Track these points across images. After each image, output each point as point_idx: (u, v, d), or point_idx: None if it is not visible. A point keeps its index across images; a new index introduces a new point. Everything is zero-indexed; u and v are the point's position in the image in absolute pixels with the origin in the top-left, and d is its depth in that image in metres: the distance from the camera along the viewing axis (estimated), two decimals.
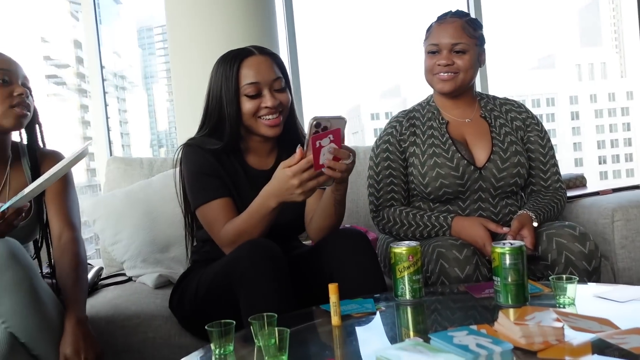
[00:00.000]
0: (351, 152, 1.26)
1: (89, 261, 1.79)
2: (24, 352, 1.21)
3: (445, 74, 1.66)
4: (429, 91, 1.81)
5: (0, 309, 1.18)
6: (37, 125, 1.55)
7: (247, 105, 1.45)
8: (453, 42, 1.64)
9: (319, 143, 1.19)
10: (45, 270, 1.59)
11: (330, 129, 1.19)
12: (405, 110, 1.82)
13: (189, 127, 1.56)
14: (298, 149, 1.22)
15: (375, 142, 1.79)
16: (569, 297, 1.14)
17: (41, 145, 1.57)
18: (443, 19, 1.69)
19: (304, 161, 1.21)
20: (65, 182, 1.54)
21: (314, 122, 1.17)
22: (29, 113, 1.46)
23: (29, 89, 1.49)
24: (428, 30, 1.72)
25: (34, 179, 1.49)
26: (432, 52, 1.67)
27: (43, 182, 1.21)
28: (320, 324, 1.16)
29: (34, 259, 1.56)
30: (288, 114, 1.53)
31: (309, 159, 1.21)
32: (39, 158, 1.54)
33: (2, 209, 1.19)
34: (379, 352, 0.88)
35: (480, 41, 1.69)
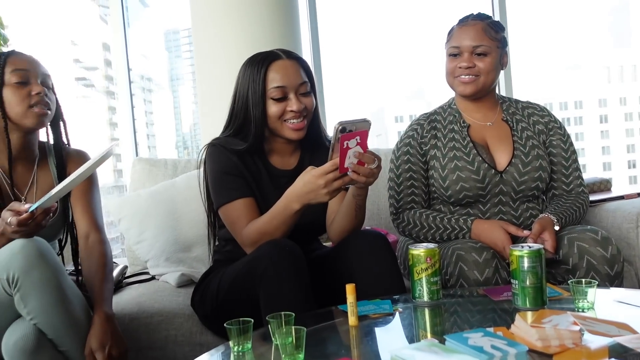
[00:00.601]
0: (377, 157, 1.28)
1: (114, 259, 1.83)
2: (51, 348, 1.24)
3: (467, 77, 1.65)
4: (453, 93, 1.81)
5: (28, 305, 1.21)
6: (61, 123, 1.57)
7: (273, 109, 1.47)
8: (474, 44, 1.63)
9: (347, 144, 1.21)
10: (70, 268, 1.63)
11: (355, 132, 1.21)
12: (427, 113, 1.82)
13: (213, 128, 1.58)
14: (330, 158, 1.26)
15: (396, 144, 1.80)
16: (588, 301, 1.14)
17: (65, 142, 1.58)
18: (464, 21, 1.68)
19: (329, 163, 1.24)
20: (90, 182, 1.57)
21: (339, 127, 1.19)
22: (49, 111, 1.47)
23: (50, 86, 1.49)
24: (449, 32, 1.72)
25: (60, 177, 1.53)
26: (453, 54, 1.67)
27: (70, 183, 1.24)
28: (337, 324, 1.17)
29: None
30: (312, 117, 1.55)
31: (334, 162, 1.24)
32: (64, 157, 1.57)
33: (31, 209, 1.22)
34: (394, 351, 0.89)
35: (502, 43, 1.68)
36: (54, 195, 1.24)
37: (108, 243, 1.55)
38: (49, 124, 1.54)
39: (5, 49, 2.40)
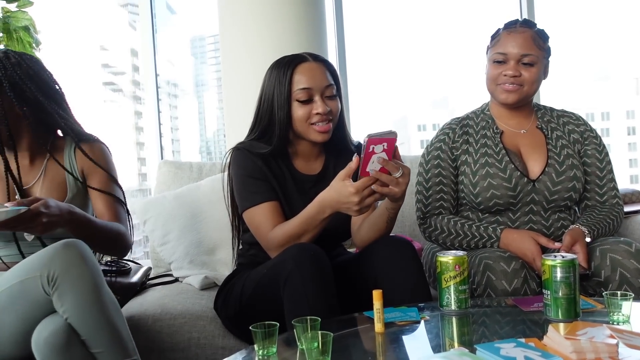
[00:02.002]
0: (404, 168, 1.27)
1: (137, 259, 1.84)
2: (81, 346, 1.24)
3: (511, 85, 1.61)
4: (477, 102, 1.78)
5: (65, 304, 1.22)
6: (59, 120, 1.55)
7: (299, 111, 1.47)
8: (522, 52, 1.59)
9: (373, 148, 1.20)
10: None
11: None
12: (459, 118, 1.79)
13: (239, 134, 1.59)
14: (354, 158, 1.25)
15: (426, 148, 1.77)
16: (623, 314, 1.10)
17: (79, 134, 1.58)
18: (512, 27, 1.62)
19: (366, 179, 1.24)
20: (108, 180, 1.60)
21: (368, 140, 1.18)
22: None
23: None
24: (494, 37, 1.66)
25: (67, 171, 1.55)
26: (499, 61, 1.62)
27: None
28: (363, 331, 1.16)
29: None
30: (337, 122, 1.54)
31: (370, 177, 1.24)
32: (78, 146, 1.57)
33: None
34: None
35: (547, 53, 1.64)
36: None
37: (128, 235, 1.58)
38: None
39: (37, 53, 2.45)
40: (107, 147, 1.66)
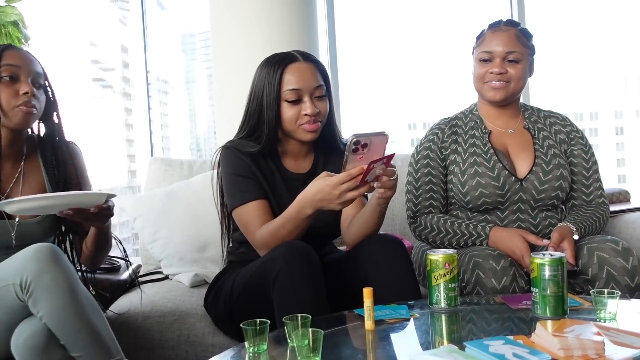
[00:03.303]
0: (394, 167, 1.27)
1: (129, 258, 1.82)
2: (61, 349, 1.21)
3: (497, 83, 1.63)
4: (468, 102, 1.79)
5: (41, 310, 1.20)
6: (55, 118, 1.53)
7: (288, 112, 1.47)
8: (507, 50, 1.61)
9: (374, 166, 1.20)
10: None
11: (370, 145, 1.20)
12: (448, 118, 1.80)
13: (229, 131, 1.58)
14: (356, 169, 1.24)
15: (416, 148, 1.78)
16: (610, 312, 1.11)
17: (57, 137, 1.54)
18: (497, 26, 1.65)
19: (345, 174, 1.23)
20: (85, 182, 1.57)
21: (354, 140, 1.18)
22: (35, 111, 1.43)
23: (41, 84, 1.46)
24: (479, 37, 1.69)
25: (48, 172, 1.50)
26: (485, 59, 1.64)
27: (49, 200, 1.24)
28: (353, 328, 1.16)
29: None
30: (327, 121, 1.54)
31: (349, 173, 1.23)
32: (56, 150, 1.52)
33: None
34: (412, 356, 0.87)
35: (532, 51, 1.67)
36: (22, 202, 1.24)
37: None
38: (39, 120, 1.51)
39: (26, 48, 2.42)
40: (80, 150, 1.60)
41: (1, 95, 1.39)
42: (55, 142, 1.53)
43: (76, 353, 1.21)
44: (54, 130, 1.53)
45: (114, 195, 1.31)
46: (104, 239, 1.46)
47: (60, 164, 1.51)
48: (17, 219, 1.42)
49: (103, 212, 1.29)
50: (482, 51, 1.65)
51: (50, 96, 1.50)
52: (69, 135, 1.58)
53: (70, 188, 1.52)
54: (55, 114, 1.53)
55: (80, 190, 1.53)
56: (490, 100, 1.67)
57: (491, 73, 1.63)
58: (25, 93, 1.39)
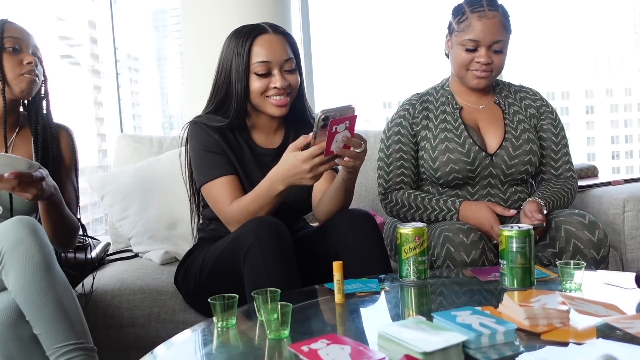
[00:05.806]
0: (362, 140, 1.26)
1: (97, 236, 1.79)
2: (29, 328, 1.19)
3: (483, 72, 1.61)
4: (443, 76, 1.78)
5: (10, 281, 1.18)
6: (44, 97, 1.55)
7: (256, 84, 1.44)
8: (494, 39, 1.58)
9: (335, 128, 1.18)
10: None
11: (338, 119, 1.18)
12: (419, 94, 1.78)
13: (201, 109, 1.55)
14: (302, 138, 1.25)
15: (387, 124, 1.77)
16: (575, 283, 1.14)
17: (48, 117, 1.56)
18: (480, 10, 1.58)
19: (316, 147, 1.22)
20: (73, 165, 1.57)
21: (322, 116, 1.16)
22: (38, 80, 1.47)
23: (39, 58, 1.49)
24: (461, 17, 1.61)
25: (35, 148, 1.50)
26: (469, 48, 1.59)
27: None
28: (323, 302, 1.16)
29: None
30: (297, 95, 1.52)
31: (320, 146, 1.22)
32: (48, 129, 1.53)
33: None
34: (381, 328, 0.88)
35: (510, 32, 1.64)
36: None
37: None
38: (30, 98, 1.52)
39: None
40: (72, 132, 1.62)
41: (5, 64, 1.41)
42: (45, 119, 1.54)
43: (38, 330, 1.18)
44: (46, 104, 1.55)
45: (37, 166, 1.26)
46: (58, 216, 1.41)
47: (48, 142, 1.52)
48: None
49: (23, 179, 1.21)
50: (467, 38, 1.59)
51: (44, 71, 1.53)
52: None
53: (58, 167, 1.52)
54: (46, 94, 1.55)
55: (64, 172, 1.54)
56: (474, 88, 1.67)
57: (477, 62, 1.60)
58: (29, 63, 1.43)
